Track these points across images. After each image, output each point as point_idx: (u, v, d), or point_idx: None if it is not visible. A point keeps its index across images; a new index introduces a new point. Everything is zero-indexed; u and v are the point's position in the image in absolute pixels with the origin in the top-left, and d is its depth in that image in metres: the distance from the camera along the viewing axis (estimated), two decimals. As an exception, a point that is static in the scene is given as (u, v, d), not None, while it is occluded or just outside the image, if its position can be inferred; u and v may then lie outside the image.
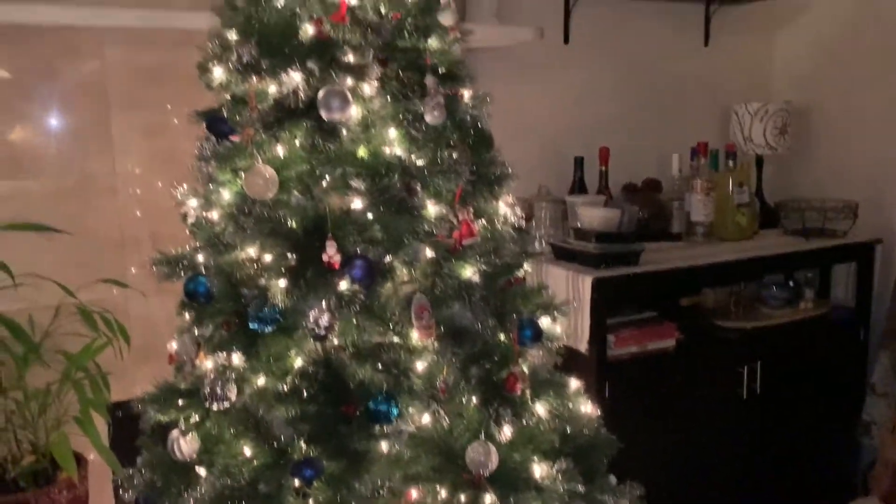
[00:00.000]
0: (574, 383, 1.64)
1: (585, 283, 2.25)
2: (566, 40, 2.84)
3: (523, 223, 1.63)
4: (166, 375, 1.65)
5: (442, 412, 1.40)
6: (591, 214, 2.37)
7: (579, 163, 2.74)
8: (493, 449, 1.42)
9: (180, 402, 1.48)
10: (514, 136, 2.61)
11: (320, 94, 1.36)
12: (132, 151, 2.11)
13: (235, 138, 1.48)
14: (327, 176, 1.40)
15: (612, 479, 1.69)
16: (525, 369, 1.55)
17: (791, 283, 2.90)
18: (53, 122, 2.01)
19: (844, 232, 2.79)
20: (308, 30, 1.43)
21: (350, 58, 1.43)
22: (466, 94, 1.55)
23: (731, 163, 2.83)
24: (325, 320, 1.32)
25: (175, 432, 1.47)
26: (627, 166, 2.90)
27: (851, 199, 2.81)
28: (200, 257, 1.50)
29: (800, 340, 2.71)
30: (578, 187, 2.74)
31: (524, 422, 1.51)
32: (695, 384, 2.46)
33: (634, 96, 3.02)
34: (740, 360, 2.55)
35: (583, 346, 2.28)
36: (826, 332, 2.80)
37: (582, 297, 2.27)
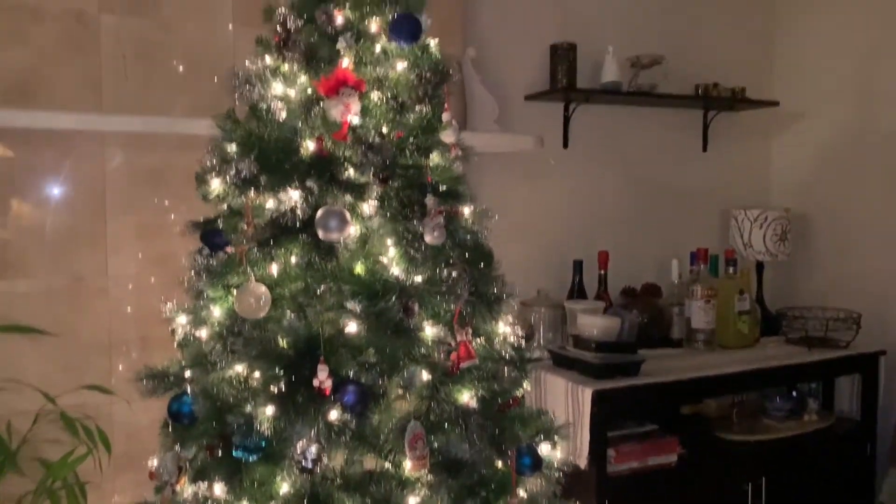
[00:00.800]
0: (573, 512, 1.56)
1: (585, 395, 2.18)
2: (565, 145, 2.85)
3: (523, 342, 1.57)
4: (145, 488, 1.56)
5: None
6: (591, 322, 2.32)
7: (578, 266, 2.71)
8: (487, 589, 1.33)
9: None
10: (513, 239, 2.61)
11: (319, 213, 1.33)
12: (125, 252, 2.07)
13: (230, 249, 1.45)
14: (322, 295, 1.35)
15: None
16: (524, 497, 1.48)
17: (794, 394, 2.82)
18: (49, 221, 1.97)
19: (847, 342, 2.73)
20: (309, 146, 1.42)
21: (350, 174, 1.41)
22: (467, 210, 1.53)
23: (731, 269, 2.80)
24: (312, 452, 1.25)
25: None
26: (627, 270, 2.87)
27: (854, 310, 2.77)
28: (187, 374, 1.43)
29: (805, 455, 2.61)
30: (577, 291, 2.69)
31: (521, 560, 1.42)
32: (697, 500, 2.36)
33: (633, 200, 3.01)
34: (745, 476, 2.45)
35: (582, 462, 2.18)
36: (831, 447, 2.70)
37: (581, 410, 2.19)
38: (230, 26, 2.15)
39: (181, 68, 2.10)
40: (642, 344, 2.51)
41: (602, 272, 2.75)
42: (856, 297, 2.90)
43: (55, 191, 1.99)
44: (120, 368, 2.11)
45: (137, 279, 2.09)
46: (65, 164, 1.99)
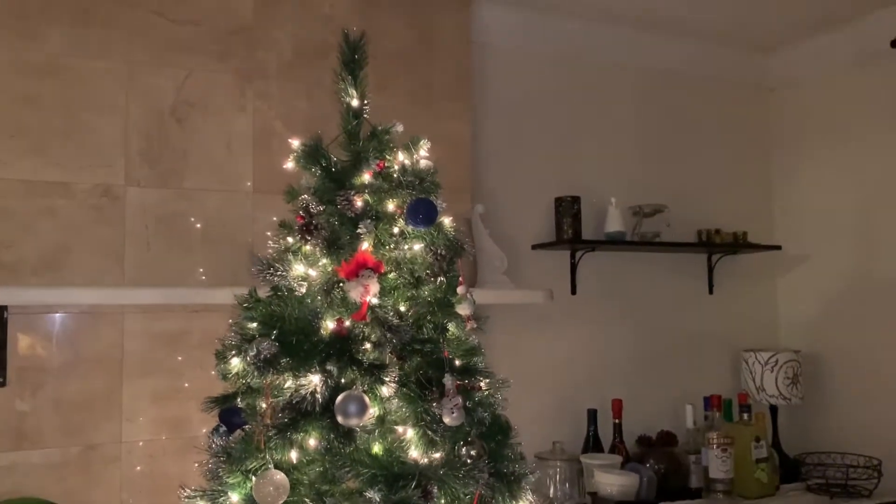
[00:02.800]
0: None
1: (606, 560, 2.10)
2: (573, 291, 2.89)
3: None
4: None
5: None
6: (610, 481, 2.27)
7: (592, 416, 2.68)
8: None
9: None
10: (526, 389, 2.59)
11: (339, 399, 1.33)
12: (140, 418, 2.06)
13: (248, 428, 1.44)
14: (340, 480, 1.33)
15: None
16: None
17: (820, 545, 2.72)
18: (66, 390, 1.98)
19: (870, 491, 2.65)
20: (329, 326, 1.44)
21: (369, 354, 1.42)
22: (483, 382, 1.53)
23: (745, 415, 2.77)
24: None
25: None
26: (641, 417, 2.83)
27: (874, 456, 2.71)
28: (203, 564, 1.40)
29: None
30: (593, 442, 2.65)
31: None
32: None
33: (644, 345, 3.01)
34: None
35: None
36: None
37: (603, 576, 2.11)
38: (250, 194, 2.23)
39: (201, 236, 2.16)
40: (661, 496, 2.46)
41: (616, 421, 2.71)
42: (875, 442, 2.84)
43: (74, 359, 2.00)
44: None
45: (150, 445, 2.07)
46: (85, 334, 2.02)
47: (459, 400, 1.40)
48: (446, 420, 1.38)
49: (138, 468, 2.04)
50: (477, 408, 1.47)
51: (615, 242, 2.81)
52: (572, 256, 2.89)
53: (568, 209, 2.78)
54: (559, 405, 2.78)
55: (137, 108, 2.12)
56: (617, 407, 2.72)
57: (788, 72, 3.28)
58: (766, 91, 3.37)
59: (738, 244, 3.10)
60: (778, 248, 3.15)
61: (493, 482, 1.42)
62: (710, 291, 3.19)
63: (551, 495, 2.47)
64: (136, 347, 2.07)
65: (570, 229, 2.77)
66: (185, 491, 1.43)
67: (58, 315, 1.99)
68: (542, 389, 2.76)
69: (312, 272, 1.48)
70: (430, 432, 1.38)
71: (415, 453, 1.37)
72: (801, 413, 3.13)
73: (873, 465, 2.69)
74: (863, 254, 3.01)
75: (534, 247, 2.83)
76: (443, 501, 1.35)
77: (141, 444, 2.05)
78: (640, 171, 3.06)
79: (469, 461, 1.40)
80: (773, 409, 3.00)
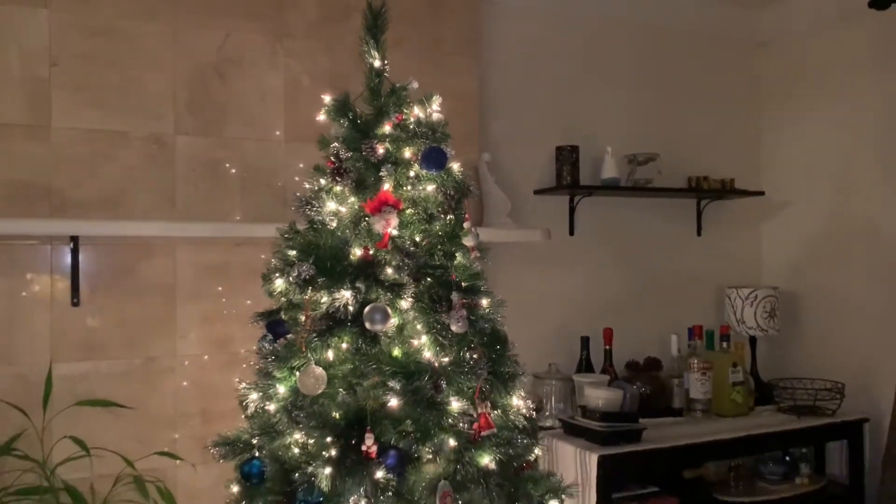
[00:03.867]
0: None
1: (592, 460, 2.43)
2: (571, 233, 3.17)
3: (534, 413, 1.85)
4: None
5: (462, 589, 1.57)
6: (597, 395, 2.59)
7: (585, 342, 2.99)
8: None
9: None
10: (526, 319, 2.91)
11: (366, 309, 1.63)
12: (191, 337, 2.39)
13: (291, 337, 1.75)
14: (368, 375, 1.65)
15: None
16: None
17: (787, 459, 3.05)
18: (129, 310, 2.30)
19: (833, 411, 2.97)
20: (357, 253, 1.74)
21: (390, 275, 1.72)
22: (485, 301, 1.83)
23: (724, 344, 3.07)
24: (362, 504, 1.53)
25: None
26: (630, 345, 3.14)
27: (838, 381, 3.02)
28: (255, 441, 1.72)
29: (795, 515, 2.83)
30: (585, 366, 2.97)
31: None
32: (697, 559, 2.58)
33: (635, 281, 3.31)
34: (741, 535, 2.67)
35: (590, 522, 2.43)
36: (817, 507, 2.93)
37: (589, 473, 2.44)
38: (281, 143, 2.51)
39: (239, 180, 2.45)
40: (645, 413, 2.78)
41: (607, 347, 3.03)
42: (841, 368, 3.15)
43: (135, 285, 2.32)
44: (180, 442, 2.40)
45: (200, 359, 2.40)
46: (143, 263, 2.33)
47: (464, 312, 1.71)
48: (453, 328, 1.69)
49: (189, 379, 2.38)
50: (479, 321, 1.77)
51: (610, 188, 3.08)
52: (571, 201, 3.17)
53: (567, 157, 3.05)
54: (556, 333, 3.09)
55: (183, 65, 2.39)
56: (608, 335, 3.03)
57: (778, 27, 3.50)
58: (756, 46, 3.59)
59: (725, 190, 3.36)
60: (762, 193, 3.41)
61: (492, 380, 1.73)
62: (699, 234, 3.47)
63: (546, 410, 2.81)
64: (187, 276, 2.38)
65: (568, 176, 3.04)
66: (241, 384, 1.75)
67: (120, 246, 2.30)
68: (541, 319, 3.07)
69: (342, 208, 1.77)
70: (440, 338, 1.68)
71: (428, 355, 1.68)
72: (777, 343, 3.44)
73: (837, 388, 3.00)
74: (840, 200, 3.28)
75: (536, 192, 3.10)
76: (450, 393, 1.67)
77: (191, 358, 2.39)
78: (635, 122, 3.31)
79: (472, 362, 1.71)
80: (753, 340, 3.31)
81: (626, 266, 3.30)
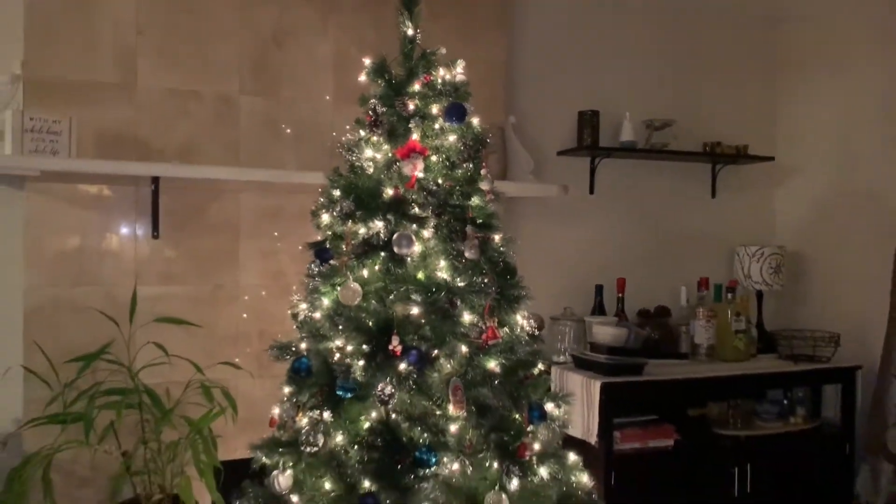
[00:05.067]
0: (573, 457, 2.13)
1: (595, 388, 2.75)
2: (591, 191, 3.46)
3: (536, 332, 2.17)
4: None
5: (468, 463, 1.91)
6: (604, 332, 2.90)
7: (599, 290, 3.29)
8: (505, 497, 1.91)
9: (281, 449, 2.03)
10: (547, 267, 3.24)
11: (395, 236, 1.97)
12: (251, 269, 2.77)
13: (334, 262, 2.10)
14: (396, 291, 1.99)
15: None
16: (535, 441, 2.06)
17: (785, 402, 3.32)
18: (200, 244, 2.69)
19: (829, 358, 3.22)
20: (389, 192, 2.07)
21: (416, 211, 2.05)
22: (497, 237, 2.15)
23: (730, 296, 3.34)
24: (388, 391, 1.88)
25: (276, 472, 2.02)
26: (642, 295, 3.43)
27: (834, 331, 3.26)
28: (304, 345, 2.09)
29: (789, 450, 3.10)
30: (598, 311, 3.27)
31: (530, 480, 2.00)
32: (691, 480, 2.88)
33: (650, 238, 3.59)
34: (732, 462, 2.96)
35: (593, 440, 2.75)
36: (815, 445, 3.19)
37: (593, 399, 2.76)
38: (330, 104, 2.86)
39: (293, 134, 2.81)
40: (655, 355, 3.08)
41: (620, 295, 3.32)
42: (840, 321, 3.39)
43: (205, 222, 2.71)
44: (243, 356, 2.79)
45: (257, 289, 2.79)
46: (212, 204, 2.72)
47: (476, 243, 2.03)
48: (467, 255, 2.01)
49: (249, 304, 2.76)
50: (490, 252, 2.10)
51: (627, 150, 3.36)
52: (592, 162, 3.46)
53: (588, 121, 3.33)
54: (573, 281, 3.39)
55: (247, 36, 2.75)
56: (621, 284, 3.33)
57: (794, 4, 3.70)
58: (773, 21, 3.80)
59: (739, 155, 3.60)
60: (772, 159, 3.64)
61: (499, 300, 2.06)
62: (713, 196, 3.73)
63: (561, 348, 3.13)
64: (248, 217, 2.76)
65: (589, 138, 3.32)
66: (294, 296, 2.12)
67: (193, 188, 2.69)
68: (560, 268, 3.37)
69: (378, 155, 2.10)
70: (455, 263, 2.01)
71: (446, 276, 2.02)
72: (782, 298, 3.68)
73: (833, 338, 3.24)
74: (845, 168, 3.49)
75: (559, 153, 3.40)
76: (463, 308, 2.00)
77: (251, 287, 2.77)
78: (654, 90, 3.57)
79: (482, 284, 2.04)
80: (759, 294, 3.56)
81: (643, 224, 3.58)
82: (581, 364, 2.93)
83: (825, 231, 3.57)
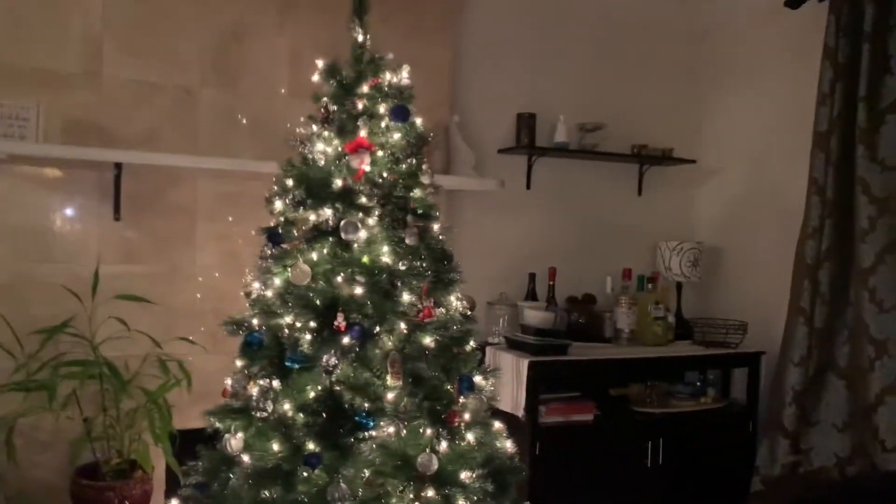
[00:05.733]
0: (497, 425, 2.36)
1: (524, 365, 2.99)
2: (528, 187, 3.71)
3: (469, 312, 2.39)
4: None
5: (403, 427, 2.13)
6: (533, 315, 3.15)
7: (532, 277, 3.54)
8: (435, 458, 2.13)
9: (233, 415, 2.21)
10: (485, 255, 3.48)
11: (342, 223, 2.17)
12: (207, 250, 2.93)
13: (286, 245, 2.29)
14: (342, 273, 2.19)
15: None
16: (464, 410, 2.29)
17: (698, 384, 3.63)
18: (158, 226, 2.85)
19: (737, 344, 3.53)
20: (338, 183, 2.27)
21: (363, 201, 2.25)
22: (436, 226, 2.36)
23: (650, 286, 3.62)
24: (332, 362, 2.08)
25: (227, 435, 2.20)
26: (572, 283, 3.69)
27: (744, 320, 3.57)
28: (255, 321, 2.27)
29: (699, 426, 3.40)
30: (530, 296, 3.52)
31: (458, 444, 2.23)
32: (609, 451, 3.15)
33: (580, 231, 3.85)
34: (647, 436, 3.24)
35: (520, 413, 3.00)
36: (722, 423, 3.49)
37: (521, 376, 3.01)
38: (285, 97, 3.03)
39: (250, 125, 2.98)
40: (581, 338, 3.34)
41: (551, 283, 3.57)
42: (749, 310, 3.70)
43: (164, 206, 2.86)
44: (200, 331, 2.96)
45: (212, 269, 2.95)
46: (171, 189, 2.87)
47: (416, 230, 2.24)
48: (407, 241, 2.22)
49: (204, 283, 2.93)
50: (429, 239, 2.31)
51: (560, 150, 3.60)
52: (529, 160, 3.69)
53: (526, 122, 3.57)
54: (509, 269, 3.63)
55: (208, 30, 2.90)
56: (552, 273, 3.58)
57: (716, 19, 3.99)
58: (699, 33, 4.09)
59: (664, 157, 3.89)
60: (693, 161, 3.93)
61: (436, 282, 2.28)
62: (640, 194, 4.01)
63: (496, 330, 3.37)
64: (205, 202, 2.92)
65: (526, 138, 3.56)
66: (248, 275, 2.30)
67: (153, 174, 2.84)
68: (497, 257, 3.61)
69: (328, 149, 2.29)
70: (397, 248, 2.22)
71: (388, 260, 2.22)
72: (700, 288, 3.99)
73: (741, 326, 3.55)
74: (757, 170, 3.80)
75: (499, 151, 3.62)
76: (403, 289, 2.21)
77: (206, 267, 2.94)
78: (588, 95, 3.82)
79: (421, 269, 2.25)
80: (679, 285, 3.86)
81: (574, 218, 3.84)
82: (512, 344, 3.18)
83: (739, 227, 3.89)
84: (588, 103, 3.81)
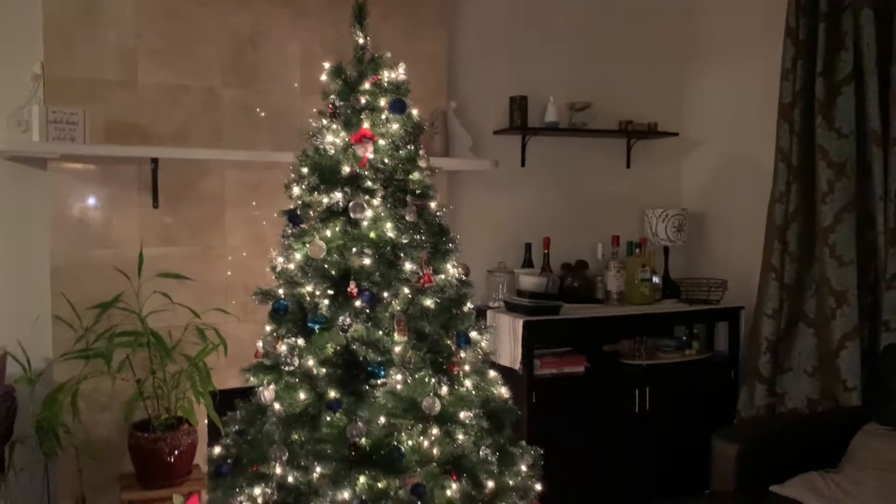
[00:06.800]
0: (492, 373, 2.70)
1: (519, 325, 3.33)
2: (523, 164, 4.02)
3: (464, 277, 2.73)
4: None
5: (409, 375, 2.48)
6: (528, 280, 3.47)
7: (528, 247, 3.86)
8: (437, 401, 2.48)
9: (265, 370, 2.57)
10: (485, 228, 3.80)
11: (351, 204, 2.50)
12: (235, 233, 3.28)
13: (304, 225, 2.63)
14: (352, 247, 2.53)
15: (523, 442, 2.73)
16: (463, 362, 2.63)
17: (684, 338, 3.94)
18: (192, 212, 3.21)
19: (718, 300, 3.84)
20: (346, 169, 2.60)
21: (368, 184, 2.58)
22: (433, 204, 2.69)
23: (637, 251, 3.93)
24: (347, 322, 2.43)
25: (261, 388, 2.56)
26: (565, 251, 4.01)
27: (724, 278, 3.88)
28: (281, 291, 2.62)
29: (683, 376, 3.72)
30: (527, 264, 3.84)
31: (457, 389, 2.58)
32: (599, 399, 3.49)
33: (572, 203, 4.16)
34: (633, 384, 3.57)
35: (517, 367, 3.34)
36: (707, 373, 3.81)
37: (518, 334, 3.34)
38: (298, 94, 3.36)
39: (268, 120, 3.32)
40: (574, 301, 3.66)
41: (546, 251, 3.89)
42: (731, 269, 4.00)
43: (196, 194, 3.22)
44: (232, 304, 3.32)
45: (240, 249, 3.31)
46: (202, 179, 3.22)
47: (415, 208, 2.57)
48: (408, 218, 2.55)
49: (234, 262, 3.29)
50: (427, 215, 2.64)
51: (551, 129, 3.91)
52: (522, 139, 4.00)
53: (518, 105, 3.87)
54: (507, 241, 3.95)
55: (226, 37, 3.23)
56: (547, 242, 3.89)
57: (695, 0, 4.25)
58: (681, 12, 4.34)
59: (650, 132, 4.17)
60: (676, 134, 4.22)
61: (433, 252, 2.61)
62: (628, 166, 4.30)
63: (495, 295, 3.70)
64: (232, 190, 3.27)
65: (519, 119, 3.86)
66: (272, 252, 2.65)
67: (186, 167, 3.19)
68: (496, 230, 3.93)
69: (336, 140, 2.62)
70: (399, 224, 2.56)
71: (391, 235, 2.56)
72: (686, 252, 4.30)
73: (722, 284, 3.86)
74: (737, 139, 4.08)
75: (494, 132, 3.93)
76: (405, 259, 2.55)
77: (235, 248, 3.29)
78: (576, 76, 4.11)
79: (420, 241, 2.58)
80: (666, 249, 4.16)
81: (567, 191, 4.14)
82: (510, 307, 3.51)
83: (720, 194, 4.18)
84: (576, 84, 4.10)
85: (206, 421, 3.04)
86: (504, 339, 3.43)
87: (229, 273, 3.30)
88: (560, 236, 3.99)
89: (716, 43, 4.17)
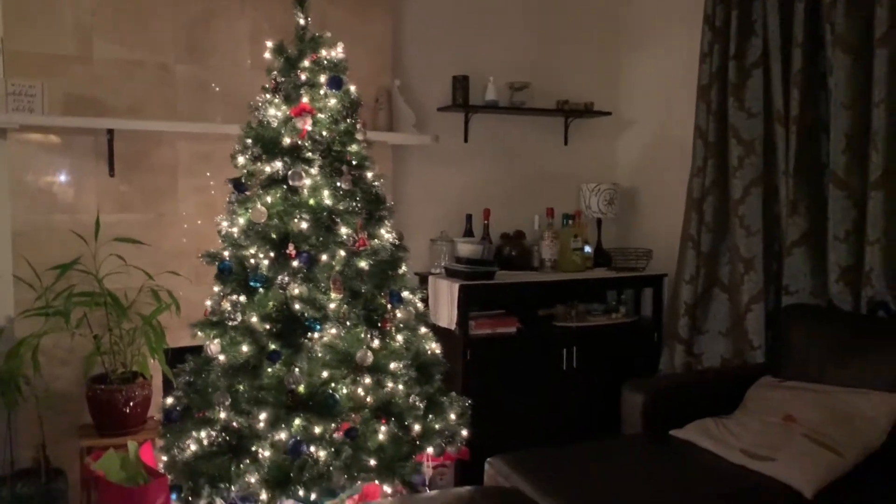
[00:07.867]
0: (424, 329, 2.93)
1: (456, 289, 3.55)
2: (466, 140, 4.22)
3: (398, 242, 2.93)
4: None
5: (343, 330, 2.69)
6: (465, 247, 3.69)
7: (469, 218, 4.07)
8: (369, 354, 2.69)
9: (212, 325, 2.76)
10: (429, 200, 4.01)
11: (290, 172, 2.69)
12: (188, 201, 3.44)
13: (248, 192, 2.82)
14: (292, 212, 2.72)
15: (453, 393, 2.96)
16: (396, 318, 2.85)
17: (613, 303, 4.20)
18: (146, 181, 3.36)
19: (643, 268, 4.09)
20: (286, 140, 2.78)
21: (307, 155, 2.77)
22: (370, 174, 2.89)
23: (570, 222, 4.16)
24: (286, 281, 2.63)
25: (208, 342, 2.76)
26: (505, 222, 4.23)
27: (650, 248, 4.13)
28: (226, 253, 2.81)
29: (609, 337, 3.98)
30: (468, 234, 4.06)
31: (389, 343, 2.80)
32: (529, 357, 3.73)
33: (512, 177, 4.37)
34: (562, 344, 3.81)
35: (453, 327, 3.56)
36: (632, 335, 4.07)
37: (455, 298, 3.57)
38: (248, 69, 3.52)
39: (221, 94, 3.48)
40: (512, 268, 3.88)
41: (486, 222, 4.10)
42: (657, 239, 4.26)
43: (150, 164, 3.38)
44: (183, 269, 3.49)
45: (193, 216, 3.48)
46: (155, 150, 3.38)
47: (350, 178, 2.77)
48: (343, 186, 2.75)
49: (187, 228, 3.46)
50: (363, 184, 2.84)
51: (491, 107, 4.10)
52: (465, 116, 4.20)
53: (460, 84, 4.05)
54: (450, 212, 4.15)
55: (180, 15, 3.38)
56: (487, 213, 4.10)
57: (631, -13, 4.47)
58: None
59: (586, 111, 4.39)
60: (609, 114, 4.44)
61: (368, 219, 2.81)
62: (566, 143, 4.52)
63: (437, 263, 3.92)
64: (184, 160, 3.43)
65: (461, 98, 4.05)
66: (219, 217, 2.83)
67: (140, 138, 3.34)
68: (440, 202, 4.13)
69: (278, 113, 2.80)
70: (336, 193, 2.75)
71: (328, 202, 2.75)
72: (618, 223, 4.54)
73: (647, 253, 4.11)
74: (665, 119, 4.32)
75: (438, 109, 4.12)
76: (342, 225, 2.74)
77: (188, 215, 3.46)
78: (516, 56, 4.30)
79: (356, 208, 2.78)
80: (599, 221, 4.40)
81: (507, 166, 4.36)
82: (449, 273, 3.73)
83: (649, 169, 4.43)
84: (516, 64, 4.30)
85: (160, 377, 3.22)
86: (443, 302, 3.65)
87: (184, 240, 3.47)
88: (501, 208, 4.21)
89: (646, 27, 4.39)
